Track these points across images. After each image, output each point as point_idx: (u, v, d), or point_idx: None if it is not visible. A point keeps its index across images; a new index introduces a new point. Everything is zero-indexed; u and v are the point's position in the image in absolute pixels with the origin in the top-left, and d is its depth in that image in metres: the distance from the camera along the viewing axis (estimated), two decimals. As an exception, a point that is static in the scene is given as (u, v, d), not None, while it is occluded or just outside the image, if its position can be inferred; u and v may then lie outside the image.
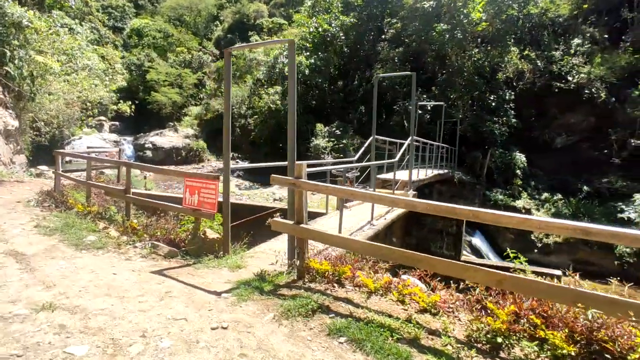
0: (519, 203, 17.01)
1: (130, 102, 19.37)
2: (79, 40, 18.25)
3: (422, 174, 12.22)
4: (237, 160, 32.47)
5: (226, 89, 4.72)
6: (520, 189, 18.35)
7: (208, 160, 31.93)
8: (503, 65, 21.49)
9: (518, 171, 18.20)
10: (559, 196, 17.66)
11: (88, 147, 32.09)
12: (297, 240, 3.91)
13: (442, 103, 16.49)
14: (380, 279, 3.59)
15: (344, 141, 21.36)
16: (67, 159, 25.68)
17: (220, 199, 4.66)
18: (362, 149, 9.04)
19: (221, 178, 4.62)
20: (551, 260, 16.05)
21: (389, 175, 9.44)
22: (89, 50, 18.71)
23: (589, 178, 18.61)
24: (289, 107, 4.27)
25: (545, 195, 18.02)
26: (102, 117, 37.77)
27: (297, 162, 3.95)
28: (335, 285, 3.72)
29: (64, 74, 17.54)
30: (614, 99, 19.46)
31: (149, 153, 30.62)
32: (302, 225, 3.86)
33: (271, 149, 23.80)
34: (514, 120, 20.04)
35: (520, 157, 18.58)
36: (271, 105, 23.10)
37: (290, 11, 53.21)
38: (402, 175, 9.50)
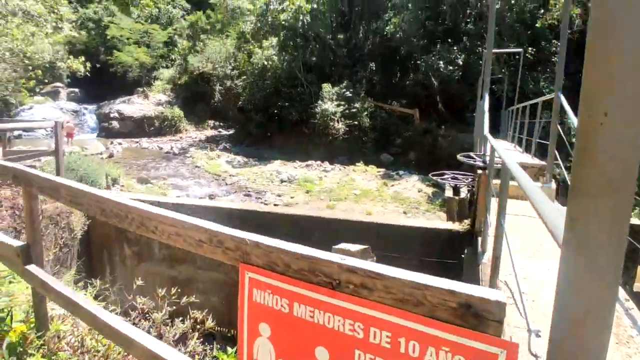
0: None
1: (83, 58, 14.80)
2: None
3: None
4: (220, 130, 28.23)
5: None
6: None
7: (186, 130, 27.51)
8: (543, 12, 17.92)
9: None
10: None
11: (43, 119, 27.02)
12: None
13: (519, 50, 12.79)
14: None
15: (357, 105, 17.58)
16: (15, 132, 20.82)
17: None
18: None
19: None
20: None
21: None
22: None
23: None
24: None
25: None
26: (59, 84, 32.43)
27: None
28: None
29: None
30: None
31: (115, 124, 25.98)
32: None
33: (265, 117, 19.75)
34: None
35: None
36: (265, 63, 18.83)
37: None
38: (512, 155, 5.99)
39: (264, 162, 16.44)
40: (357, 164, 15.31)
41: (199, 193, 12.30)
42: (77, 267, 6.01)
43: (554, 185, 5.60)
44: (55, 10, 14.70)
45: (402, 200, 11.41)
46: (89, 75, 16.50)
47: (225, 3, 25.66)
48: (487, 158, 4.74)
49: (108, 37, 31.64)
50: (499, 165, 4.16)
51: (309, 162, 15.87)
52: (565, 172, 6.40)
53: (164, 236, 1.31)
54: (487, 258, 3.56)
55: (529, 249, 3.73)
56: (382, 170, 14.75)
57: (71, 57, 15.34)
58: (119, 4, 37.10)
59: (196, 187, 12.94)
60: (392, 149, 17.37)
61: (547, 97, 6.60)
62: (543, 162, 6.47)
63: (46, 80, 27.14)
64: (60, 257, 5.47)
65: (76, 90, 32.87)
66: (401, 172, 14.44)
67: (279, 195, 11.87)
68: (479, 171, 4.36)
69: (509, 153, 5.93)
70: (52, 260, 4.87)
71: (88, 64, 15.75)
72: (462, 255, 4.39)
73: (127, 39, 31.58)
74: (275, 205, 11.06)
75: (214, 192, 12.34)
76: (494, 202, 4.02)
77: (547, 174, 5.65)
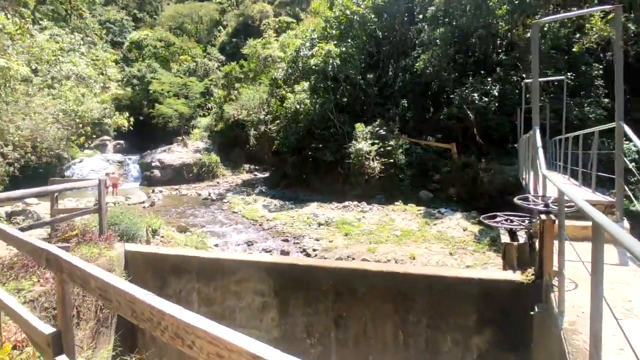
0: (642, 207, 12.75)
1: (127, 114, 15.71)
2: (60, 43, 14.66)
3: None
4: (256, 173, 28.75)
5: None
6: (632, 186, 14.17)
7: (223, 175, 28.22)
8: (578, 36, 17.37)
9: (632, 164, 13.99)
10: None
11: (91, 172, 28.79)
12: None
13: (562, 77, 12.35)
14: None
15: (391, 143, 17.36)
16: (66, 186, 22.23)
17: None
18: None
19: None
20: None
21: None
22: (74, 55, 15.07)
23: None
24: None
25: (667, 193, 13.78)
26: (106, 137, 34.69)
27: None
28: None
29: (46, 86, 14.02)
30: None
31: (157, 172, 27.12)
32: None
33: (300, 159, 19.90)
34: (606, 100, 15.92)
35: (632, 146, 14.37)
36: (298, 106, 19.23)
37: (297, 9, 49.93)
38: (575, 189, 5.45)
39: (300, 205, 16.32)
40: (395, 202, 14.85)
41: (237, 239, 12.24)
42: (117, 324, 5.89)
43: (627, 224, 4.99)
44: (104, 72, 15.88)
45: (447, 240, 10.78)
46: (132, 128, 17.48)
47: (257, 53, 26.93)
48: (550, 200, 4.28)
49: (151, 92, 33.83)
50: (570, 209, 3.71)
51: (346, 203, 15.59)
52: (639, 206, 5.74)
53: (202, 354, 1.08)
54: (567, 321, 3.06)
55: (617, 308, 3.19)
56: (422, 208, 14.18)
57: (117, 113, 16.30)
58: (160, 61, 40.00)
59: (234, 234, 12.91)
60: (431, 185, 16.81)
61: (607, 126, 6.11)
62: (608, 198, 5.86)
63: (94, 136, 29.12)
64: (100, 318, 5.38)
65: (121, 142, 34.94)
66: (443, 210, 13.79)
67: (317, 240, 11.57)
68: (542, 216, 3.91)
69: (570, 189, 5.43)
70: (92, 326, 4.77)
71: (132, 119, 16.68)
72: (532, 312, 3.87)
73: (168, 92, 33.66)
74: (314, 250, 10.75)
75: (251, 238, 12.23)
76: (569, 250, 3.54)
77: (618, 212, 5.05)
